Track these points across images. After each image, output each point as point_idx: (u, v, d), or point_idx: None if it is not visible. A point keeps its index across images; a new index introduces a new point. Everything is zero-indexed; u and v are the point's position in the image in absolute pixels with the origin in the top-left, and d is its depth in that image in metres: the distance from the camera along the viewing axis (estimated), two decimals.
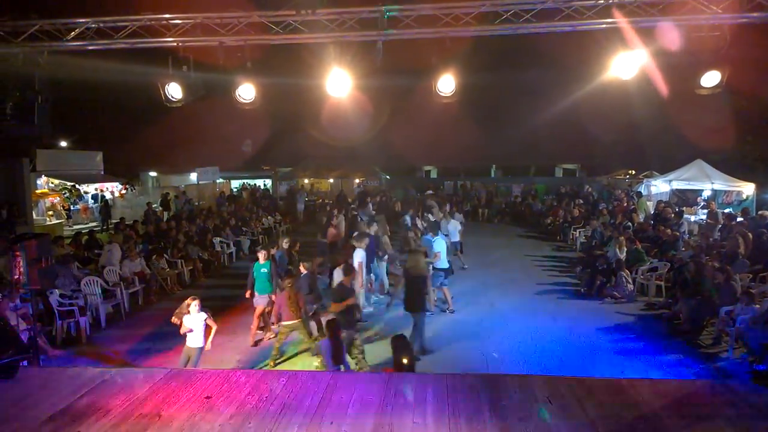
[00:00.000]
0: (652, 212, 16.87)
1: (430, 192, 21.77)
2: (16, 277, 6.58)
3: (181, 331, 7.03)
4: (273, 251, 9.28)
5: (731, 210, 15.86)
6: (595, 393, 5.05)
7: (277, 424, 4.54)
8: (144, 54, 8.05)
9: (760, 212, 14.31)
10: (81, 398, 5.08)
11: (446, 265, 9.95)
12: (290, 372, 5.83)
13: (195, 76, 7.80)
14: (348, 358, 6.85)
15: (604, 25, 7.44)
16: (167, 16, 7.52)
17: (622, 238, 12.19)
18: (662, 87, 8.45)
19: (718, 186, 17.51)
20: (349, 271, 7.77)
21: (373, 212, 16.03)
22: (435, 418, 4.62)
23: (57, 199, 22.74)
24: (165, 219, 18.04)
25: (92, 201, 24.57)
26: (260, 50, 7.88)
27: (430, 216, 14.37)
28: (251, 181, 31.98)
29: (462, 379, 5.47)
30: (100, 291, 9.51)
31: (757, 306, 7.84)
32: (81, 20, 7.58)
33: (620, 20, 7.32)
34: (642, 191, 19.67)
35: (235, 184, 31.85)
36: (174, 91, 7.68)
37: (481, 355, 7.88)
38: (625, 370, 7.13)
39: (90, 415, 4.74)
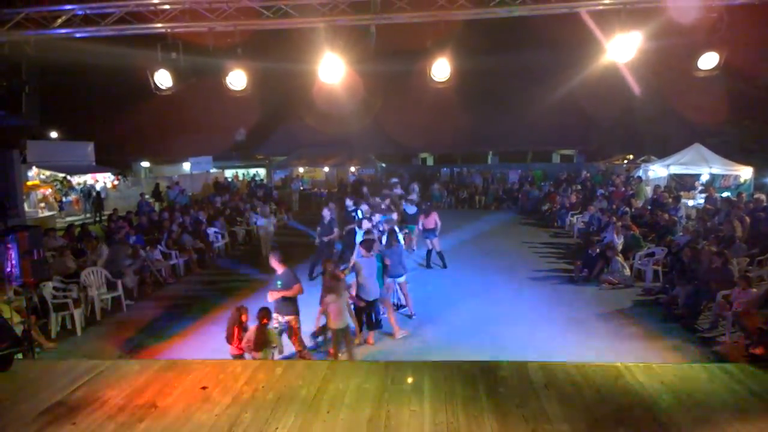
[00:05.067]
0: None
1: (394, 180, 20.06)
2: (8, 270, 6.50)
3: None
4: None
5: (729, 194, 15.86)
6: (592, 377, 5.06)
7: (274, 414, 4.53)
8: (133, 41, 7.89)
9: (756, 196, 14.33)
10: (76, 390, 5.06)
11: None
12: (287, 361, 5.82)
13: (185, 63, 7.65)
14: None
15: (600, 7, 7.33)
16: (155, 1, 7.35)
17: (619, 223, 12.16)
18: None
19: (716, 170, 17.48)
20: None
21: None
22: (432, 405, 4.61)
23: (49, 191, 22.54)
24: (157, 210, 17.92)
25: (82, 193, 24.38)
26: (251, 36, 7.74)
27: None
28: (242, 171, 31.83)
29: (459, 366, 5.47)
30: (104, 281, 9.54)
31: (754, 290, 7.85)
32: (67, 7, 7.41)
33: (617, 2, 7.22)
34: (640, 176, 19.64)
35: (229, 173, 31.72)
36: (163, 78, 7.53)
37: (477, 342, 7.87)
38: (622, 354, 7.13)
39: (86, 407, 4.72)
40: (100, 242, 11.43)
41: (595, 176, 23.02)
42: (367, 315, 7.68)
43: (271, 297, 6.75)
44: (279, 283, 6.75)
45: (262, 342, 6.20)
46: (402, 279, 8.73)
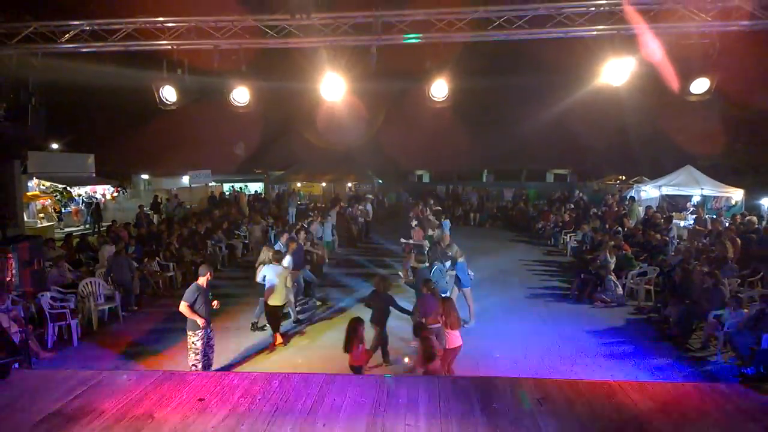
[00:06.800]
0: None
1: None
2: (8, 279, 6.55)
3: None
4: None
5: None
6: (585, 395, 5.12)
7: (270, 426, 4.57)
8: (138, 57, 8.05)
9: (747, 218, 14.52)
10: (73, 400, 5.08)
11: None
12: (283, 374, 5.84)
13: (190, 80, 7.82)
14: None
15: (595, 32, 7.56)
16: (161, 19, 7.54)
17: (611, 243, 12.30)
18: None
19: (708, 192, 17.69)
20: None
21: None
22: (427, 419, 4.66)
23: (48, 202, 22.56)
24: (156, 222, 17.97)
25: (83, 204, 24.41)
26: (255, 54, 7.92)
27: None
28: (239, 185, 31.91)
29: (453, 381, 5.53)
30: (102, 292, 9.61)
31: (746, 310, 7.95)
32: (75, 22, 7.59)
33: (611, 27, 7.46)
34: (634, 196, 19.87)
35: (227, 187, 31.81)
36: (168, 94, 7.69)
37: (471, 358, 7.92)
38: (614, 373, 7.20)
39: (83, 417, 4.74)
40: (105, 243, 11.54)
41: (589, 195, 23.25)
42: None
43: None
44: None
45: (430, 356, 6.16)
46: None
